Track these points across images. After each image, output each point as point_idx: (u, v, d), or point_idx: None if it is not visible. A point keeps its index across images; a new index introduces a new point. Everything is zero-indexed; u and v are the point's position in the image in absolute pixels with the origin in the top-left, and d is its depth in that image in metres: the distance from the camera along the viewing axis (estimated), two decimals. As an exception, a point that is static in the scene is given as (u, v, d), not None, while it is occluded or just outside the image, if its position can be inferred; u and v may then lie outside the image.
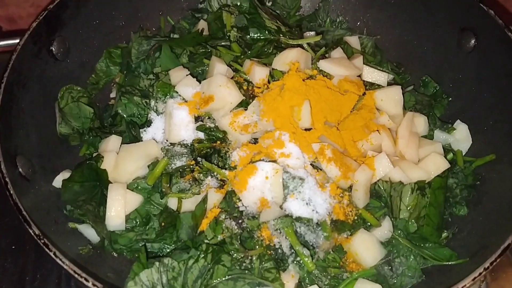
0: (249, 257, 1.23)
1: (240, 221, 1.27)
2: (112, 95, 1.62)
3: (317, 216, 1.26)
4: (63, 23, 1.47)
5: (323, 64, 1.45)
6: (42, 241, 1.03)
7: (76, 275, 0.98)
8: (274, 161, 1.27)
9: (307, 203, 1.26)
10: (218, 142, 1.36)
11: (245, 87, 1.42)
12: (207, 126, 1.38)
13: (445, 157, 1.42)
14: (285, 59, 1.42)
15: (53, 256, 1.01)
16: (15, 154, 1.24)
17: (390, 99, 1.45)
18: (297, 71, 1.39)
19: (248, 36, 1.51)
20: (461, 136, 1.49)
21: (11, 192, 1.10)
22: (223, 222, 1.26)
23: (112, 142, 1.40)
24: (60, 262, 1.00)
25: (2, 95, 1.25)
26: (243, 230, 1.26)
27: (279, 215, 1.24)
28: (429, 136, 1.51)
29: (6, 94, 1.26)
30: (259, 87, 1.41)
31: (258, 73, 1.41)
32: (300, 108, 1.31)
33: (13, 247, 1.53)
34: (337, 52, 1.52)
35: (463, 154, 1.48)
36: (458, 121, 1.51)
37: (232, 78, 1.42)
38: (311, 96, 1.34)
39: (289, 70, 1.39)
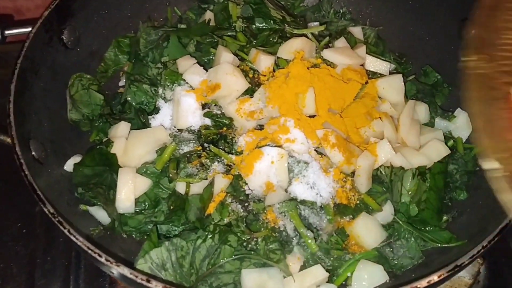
0: (255, 239, 1.26)
1: (246, 204, 1.30)
2: (121, 83, 1.65)
3: (320, 199, 1.29)
4: (73, 12, 1.50)
5: (326, 53, 1.48)
6: (57, 219, 1.06)
7: (89, 251, 1.01)
8: (280, 146, 1.31)
9: (311, 187, 1.29)
10: (225, 128, 1.40)
11: (251, 75, 1.46)
12: (214, 112, 1.42)
13: (446, 144, 1.45)
14: (290, 48, 1.45)
15: (67, 233, 1.04)
16: (28, 138, 1.27)
17: (392, 87, 1.48)
18: (302, 59, 1.42)
19: (254, 26, 1.55)
20: (461, 124, 1.52)
21: (26, 172, 1.13)
22: (229, 205, 1.29)
23: (122, 128, 1.43)
24: (74, 239, 1.03)
25: (16, 81, 1.28)
26: (248, 213, 1.29)
27: (284, 198, 1.28)
28: (430, 124, 1.54)
29: (20, 81, 1.29)
30: (265, 75, 1.45)
31: (263, 62, 1.44)
32: (304, 95, 1.35)
33: (24, 231, 1.57)
34: (341, 42, 1.55)
35: (463, 141, 1.51)
36: (459, 109, 1.54)
37: (238, 66, 1.45)
38: (315, 84, 1.37)
39: (294, 58, 1.42)
